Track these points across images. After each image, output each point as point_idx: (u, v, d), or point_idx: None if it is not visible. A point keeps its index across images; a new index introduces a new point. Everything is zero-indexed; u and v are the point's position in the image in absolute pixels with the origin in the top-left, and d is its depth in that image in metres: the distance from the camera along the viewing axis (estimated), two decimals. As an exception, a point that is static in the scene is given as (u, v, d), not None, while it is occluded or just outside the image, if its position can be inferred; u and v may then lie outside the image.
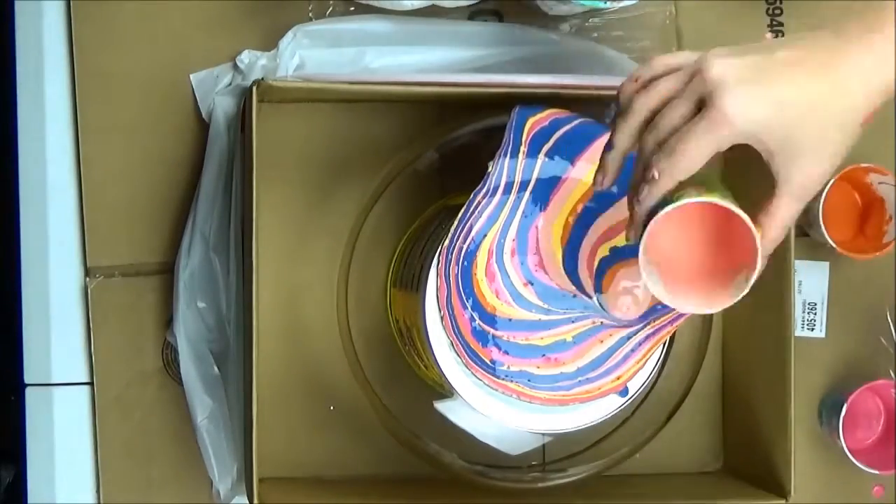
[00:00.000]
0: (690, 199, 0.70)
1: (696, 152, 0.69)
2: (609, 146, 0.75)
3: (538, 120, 0.87)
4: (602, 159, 0.75)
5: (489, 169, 0.86)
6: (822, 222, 0.99)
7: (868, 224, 1.05)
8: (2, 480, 1.13)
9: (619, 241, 0.86)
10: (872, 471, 1.01)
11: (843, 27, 0.70)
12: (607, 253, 0.86)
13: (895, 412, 1.04)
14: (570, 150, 0.86)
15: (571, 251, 0.87)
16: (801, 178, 0.71)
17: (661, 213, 0.71)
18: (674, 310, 0.84)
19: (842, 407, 1.00)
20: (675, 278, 0.73)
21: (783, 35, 1.04)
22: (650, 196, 0.71)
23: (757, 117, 0.68)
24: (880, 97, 0.70)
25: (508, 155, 0.86)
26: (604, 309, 0.85)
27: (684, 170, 0.70)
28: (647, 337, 0.87)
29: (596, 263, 0.86)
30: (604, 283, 0.86)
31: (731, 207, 0.70)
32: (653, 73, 0.73)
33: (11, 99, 0.97)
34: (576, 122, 0.87)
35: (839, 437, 1.00)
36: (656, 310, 0.86)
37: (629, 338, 0.86)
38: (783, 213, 0.72)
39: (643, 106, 0.72)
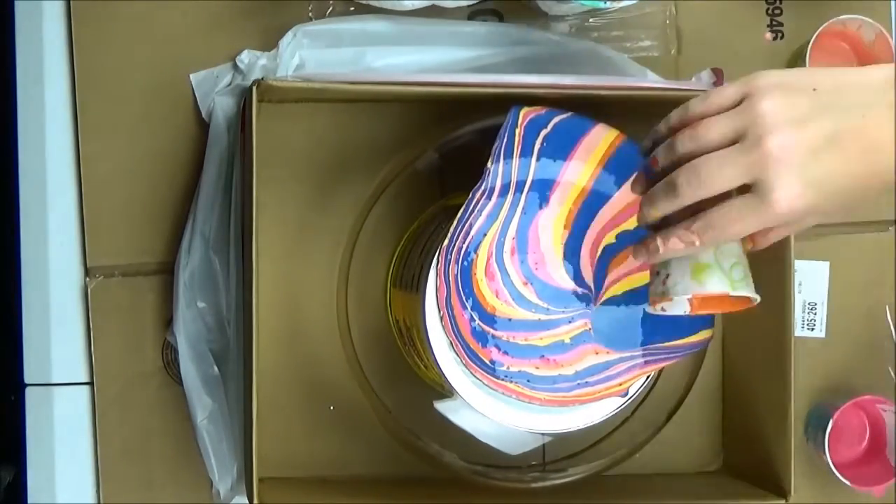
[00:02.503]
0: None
1: (736, 230, 0.72)
2: (649, 172, 0.76)
3: (533, 109, 0.87)
4: (648, 195, 0.75)
5: (488, 165, 0.86)
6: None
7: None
8: (2, 480, 1.13)
9: (627, 226, 0.87)
10: (857, 488, 1.00)
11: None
12: (614, 240, 0.87)
13: (882, 428, 1.04)
14: (567, 141, 0.86)
15: (573, 246, 0.87)
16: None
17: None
18: (670, 355, 0.88)
19: (828, 422, 0.99)
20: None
21: (783, 36, 1.04)
22: (671, 250, 0.74)
23: (802, 209, 0.70)
24: None
25: (505, 152, 0.86)
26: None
27: (716, 241, 0.73)
28: (641, 365, 0.87)
29: (599, 252, 0.87)
30: (609, 266, 0.87)
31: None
32: (704, 110, 0.73)
33: (11, 99, 0.97)
34: (570, 113, 0.87)
35: (825, 453, 1.00)
36: (656, 351, 0.87)
37: (626, 360, 0.87)
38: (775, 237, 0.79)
39: (686, 150, 0.73)
